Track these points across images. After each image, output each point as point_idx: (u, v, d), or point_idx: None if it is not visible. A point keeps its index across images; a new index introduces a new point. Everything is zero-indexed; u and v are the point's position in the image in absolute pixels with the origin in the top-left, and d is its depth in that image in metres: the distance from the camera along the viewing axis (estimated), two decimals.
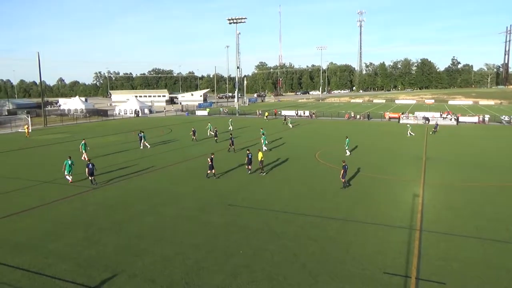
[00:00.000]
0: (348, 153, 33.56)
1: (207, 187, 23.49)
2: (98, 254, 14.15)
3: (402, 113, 69.39)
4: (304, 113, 78.55)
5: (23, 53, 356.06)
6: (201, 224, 17.18)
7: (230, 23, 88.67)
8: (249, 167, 26.68)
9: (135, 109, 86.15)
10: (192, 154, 34.99)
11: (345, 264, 13.27)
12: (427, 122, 61.83)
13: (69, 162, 24.41)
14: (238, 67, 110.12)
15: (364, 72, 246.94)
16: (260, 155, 26.76)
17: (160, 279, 12.34)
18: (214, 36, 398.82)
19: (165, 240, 15.43)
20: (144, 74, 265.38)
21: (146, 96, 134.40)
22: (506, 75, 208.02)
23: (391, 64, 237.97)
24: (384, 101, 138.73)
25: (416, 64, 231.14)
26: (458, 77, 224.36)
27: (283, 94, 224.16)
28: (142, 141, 38.48)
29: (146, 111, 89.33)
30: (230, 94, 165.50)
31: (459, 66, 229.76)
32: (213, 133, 46.91)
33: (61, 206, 19.99)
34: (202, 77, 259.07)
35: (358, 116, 73.02)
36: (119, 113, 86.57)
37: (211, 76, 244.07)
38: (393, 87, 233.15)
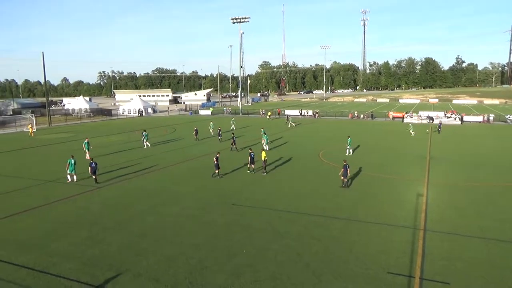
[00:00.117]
0: (349, 152, 33.47)
1: (210, 186, 23.53)
2: (102, 253, 14.21)
3: (406, 113, 69.16)
4: (307, 113, 78.45)
5: (28, 53, 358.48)
6: (204, 224, 17.22)
7: (234, 23, 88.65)
8: (252, 166, 26.70)
9: (139, 109, 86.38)
10: (195, 153, 35.05)
11: (348, 263, 13.25)
12: (431, 121, 61.58)
13: (72, 161, 24.53)
14: (241, 67, 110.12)
15: (367, 71, 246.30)
16: (263, 154, 26.77)
17: (164, 278, 12.38)
18: (217, 35, 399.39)
19: (169, 240, 15.48)
20: (147, 73, 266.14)
21: (149, 96, 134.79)
22: (511, 74, 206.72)
23: (395, 63, 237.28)
24: (388, 100, 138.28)
25: (420, 63, 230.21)
26: (463, 76, 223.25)
27: (287, 93, 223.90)
28: (146, 140, 38.63)
29: (150, 110, 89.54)
30: (234, 94, 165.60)
31: (464, 65, 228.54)
32: (212, 133, 47.05)
33: (65, 205, 20.10)
34: (205, 77, 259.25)
35: (361, 116, 72.85)
36: (123, 113, 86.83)
37: (214, 75, 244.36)
38: (397, 86, 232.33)
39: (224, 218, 17.90)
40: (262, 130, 41.24)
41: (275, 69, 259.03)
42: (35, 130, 53.88)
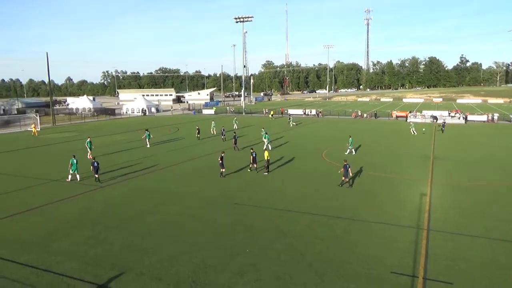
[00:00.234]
0: (351, 152, 33.38)
1: (213, 186, 23.54)
2: (105, 252, 14.26)
3: (410, 112, 68.91)
4: (310, 112, 78.35)
5: (32, 53, 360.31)
6: (207, 223, 17.23)
7: (237, 22, 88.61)
8: (255, 165, 26.70)
9: (142, 108, 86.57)
10: (197, 153, 35.09)
11: (351, 263, 13.22)
12: (435, 121, 61.32)
13: (74, 160, 24.61)
14: (244, 66, 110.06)
15: (371, 70, 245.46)
16: (266, 154, 26.74)
17: (167, 277, 12.40)
18: (220, 35, 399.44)
19: (171, 239, 15.50)
20: (151, 73, 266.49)
21: (153, 95, 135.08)
22: None
23: (399, 63, 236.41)
24: (391, 99, 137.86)
25: (424, 62, 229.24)
26: (467, 76, 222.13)
27: (290, 93, 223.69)
28: (148, 139, 38.75)
29: (153, 110, 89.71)
30: (237, 93, 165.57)
31: (468, 64, 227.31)
32: (215, 132, 47.08)
33: (68, 205, 20.17)
34: (208, 76, 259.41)
35: (365, 115, 72.66)
36: (126, 112, 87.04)
37: (217, 75, 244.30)
38: (400, 86, 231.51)
39: (227, 217, 17.90)
40: (263, 130, 41.14)
41: (278, 68, 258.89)
42: (38, 129, 54.12)
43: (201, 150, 36.37)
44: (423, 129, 48.08)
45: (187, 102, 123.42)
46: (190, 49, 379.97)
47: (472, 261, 13.31)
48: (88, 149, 32.90)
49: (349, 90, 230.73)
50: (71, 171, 24.54)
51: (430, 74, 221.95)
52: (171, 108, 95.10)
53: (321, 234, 15.80)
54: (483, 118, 64.27)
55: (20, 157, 34.97)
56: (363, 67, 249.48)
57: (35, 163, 31.89)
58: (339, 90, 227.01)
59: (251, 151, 27.20)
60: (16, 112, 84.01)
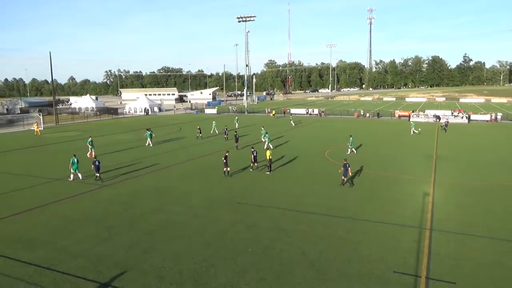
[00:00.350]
0: (351, 151, 33.35)
1: (215, 185, 23.58)
2: (108, 251, 14.31)
3: (413, 111, 68.73)
4: (313, 111, 78.29)
5: (35, 52, 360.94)
6: (210, 222, 17.26)
7: (239, 21, 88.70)
8: (256, 164, 26.72)
9: (145, 107, 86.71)
10: (200, 152, 35.14)
11: (353, 263, 13.21)
12: (437, 120, 61.15)
13: (75, 159, 24.70)
14: (247, 65, 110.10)
15: (374, 69, 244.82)
16: (268, 153, 26.72)
17: (169, 276, 12.43)
18: (223, 34, 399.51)
19: (174, 238, 15.54)
20: (153, 72, 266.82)
21: (155, 95, 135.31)
22: None
23: (402, 62, 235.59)
24: (394, 99, 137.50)
25: (427, 61, 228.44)
26: (470, 75, 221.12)
27: (292, 92, 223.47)
28: (148, 138, 38.86)
29: (156, 109, 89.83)
30: (239, 92, 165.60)
31: (471, 63, 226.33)
32: (217, 131, 47.10)
33: (71, 204, 20.25)
34: (211, 75, 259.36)
35: (367, 114, 72.52)
36: (129, 111, 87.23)
37: (220, 74, 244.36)
38: (403, 85, 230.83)
39: (229, 216, 17.93)
40: (263, 129, 41.10)
41: (280, 67, 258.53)
42: (41, 128, 54.32)
43: (203, 150, 36.42)
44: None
45: (190, 101, 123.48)
46: (192, 48, 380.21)
47: (475, 261, 13.28)
48: (89, 149, 33.09)
49: (352, 89, 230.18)
50: (72, 170, 24.63)
51: (433, 73, 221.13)
52: (174, 107, 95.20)
53: (323, 233, 15.80)
54: (486, 117, 64.04)
55: (23, 156, 35.11)
56: (365, 66, 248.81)
57: (38, 162, 32.02)
58: (342, 90, 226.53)
59: (252, 149, 27.24)
60: (19, 112, 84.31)
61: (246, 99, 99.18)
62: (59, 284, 12.01)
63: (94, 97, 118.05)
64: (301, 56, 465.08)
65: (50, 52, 62.82)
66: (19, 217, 18.26)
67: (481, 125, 57.02)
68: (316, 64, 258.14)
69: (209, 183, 24.08)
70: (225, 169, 25.28)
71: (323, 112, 76.46)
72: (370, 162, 29.41)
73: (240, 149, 35.48)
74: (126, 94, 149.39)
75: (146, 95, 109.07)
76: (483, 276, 12.29)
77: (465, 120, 60.98)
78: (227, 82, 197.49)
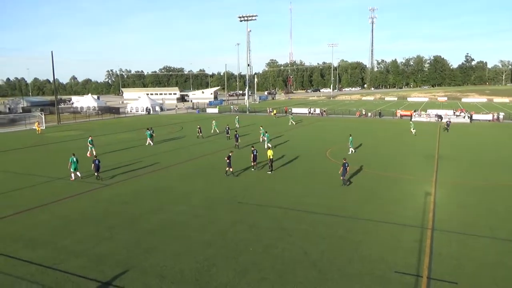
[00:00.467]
0: (351, 151, 33.32)
1: (216, 185, 23.58)
2: (109, 250, 14.32)
3: (414, 111, 68.61)
4: (314, 111, 78.23)
5: (37, 51, 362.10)
6: (211, 222, 17.26)
7: (241, 21, 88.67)
8: (255, 163, 26.71)
9: (147, 107, 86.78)
10: (201, 152, 35.14)
11: (355, 262, 13.19)
12: (439, 120, 61.02)
13: (74, 159, 24.73)
14: (248, 65, 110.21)
15: (375, 69, 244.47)
16: (270, 153, 26.67)
17: (170, 275, 12.44)
18: (224, 34, 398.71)
19: (175, 237, 15.55)
20: (155, 72, 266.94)
21: (157, 94, 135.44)
22: None
23: (403, 61, 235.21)
24: (396, 98, 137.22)
25: (428, 61, 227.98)
26: (472, 74, 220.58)
27: (294, 91, 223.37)
28: (148, 138, 38.90)
29: (157, 108, 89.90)
30: (241, 92, 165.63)
31: (473, 63, 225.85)
32: (218, 131, 47.12)
33: (73, 203, 20.28)
34: (212, 75, 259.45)
35: (369, 114, 72.42)
36: (130, 111, 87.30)
37: (221, 74, 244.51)
38: (405, 85, 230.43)
39: (230, 216, 17.93)
40: (261, 128, 40.97)
41: (282, 67, 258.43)
42: (43, 127, 54.43)
43: (204, 149, 36.42)
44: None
45: (191, 101, 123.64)
46: (194, 48, 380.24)
47: (477, 261, 13.25)
48: (89, 148, 33.18)
49: (354, 89, 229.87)
50: (72, 170, 24.66)
51: (435, 73, 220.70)
52: (175, 107, 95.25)
53: (325, 233, 15.79)
54: (488, 117, 63.85)
55: (25, 155, 35.18)
56: (367, 66, 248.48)
57: (39, 161, 32.09)
58: (344, 89, 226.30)
59: (252, 149, 27.23)
60: (21, 111, 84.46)
61: (248, 98, 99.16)
62: (61, 283, 12.02)
63: (96, 96, 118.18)
64: (302, 55, 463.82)
65: (52, 51, 62.85)
66: (20, 216, 18.29)
67: (483, 125, 56.87)
68: (318, 63, 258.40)
69: (209, 182, 24.08)
70: (227, 169, 25.26)
71: (324, 111, 76.39)
72: (371, 162, 29.36)
73: (241, 148, 35.45)
74: (128, 93, 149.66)
75: (147, 94, 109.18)
76: (485, 276, 12.25)
77: (467, 120, 60.82)
78: (228, 82, 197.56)
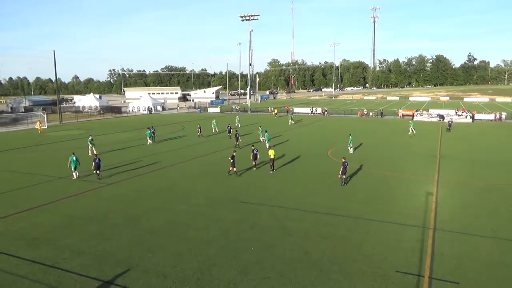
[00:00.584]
0: (351, 151, 33.30)
1: (218, 184, 23.60)
2: (112, 249, 14.36)
3: (416, 111, 68.49)
4: (316, 110, 78.17)
5: (39, 51, 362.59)
6: (213, 221, 17.28)
7: (243, 20, 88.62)
8: (255, 162, 26.72)
9: (148, 106, 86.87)
10: (203, 151, 35.17)
11: (356, 262, 13.19)
12: (441, 119, 60.90)
13: (74, 158, 24.78)
14: (250, 64, 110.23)
15: (377, 69, 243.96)
16: (271, 152, 26.67)
17: (172, 274, 12.46)
18: (226, 33, 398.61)
19: (177, 236, 15.57)
20: (157, 71, 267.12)
21: (159, 93, 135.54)
22: None
23: (405, 61, 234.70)
24: (398, 98, 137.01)
25: (431, 60, 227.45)
26: (474, 74, 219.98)
27: (296, 91, 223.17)
28: (148, 137, 38.95)
29: (159, 108, 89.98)
30: (242, 91, 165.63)
31: (475, 62, 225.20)
32: (218, 130, 47.13)
33: (75, 202, 20.33)
34: (214, 74, 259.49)
35: (371, 114, 72.31)
36: (132, 110, 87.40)
37: (223, 73, 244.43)
38: (407, 84, 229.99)
39: (232, 215, 17.95)
40: (260, 128, 40.86)
41: (284, 66, 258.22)
42: (45, 127, 54.56)
43: (205, 148, 36.45)
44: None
45: (193, 100, 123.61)
46: (196, 47, 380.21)
47: (479, 261, 13.23)
48: (89, 147, 33.27)
49: (355, 88, 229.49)
50: (72, 169, 24.71)
51: (437, 73, 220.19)
52: (177, 106, 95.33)
53: (326, 232, 15.79)
54: (491, 117, 63.66)
55: (27, 154, 35.28)
56: (369, 65, 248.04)
57: (41, 160, 32.18)
58: (345, 89, 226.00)
59: (253, 148, 27.24)
60: (23, 110, 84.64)
61: (249, 98, 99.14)
62: (63, 282, 12.06)
63: (97, 95, 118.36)
64: (304, 55, 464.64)
65: (54, 51, 63.05)
66: (23, 215, 18.35)
67: (485, 125, 56.72)
68: (320, 63, 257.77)
69: (211, 182, 24.10)
70: (231, 168, 25.28)
71: (326, 111, 76.31)
72: (373, 162, 29.33)
73: (242, 148, 35.45)
74: (130, 93, 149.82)
75: (149, 94, 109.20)
76: (486, 276, 12.23)
77: (469, 120, 60.67)
78: (230, 81, 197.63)
